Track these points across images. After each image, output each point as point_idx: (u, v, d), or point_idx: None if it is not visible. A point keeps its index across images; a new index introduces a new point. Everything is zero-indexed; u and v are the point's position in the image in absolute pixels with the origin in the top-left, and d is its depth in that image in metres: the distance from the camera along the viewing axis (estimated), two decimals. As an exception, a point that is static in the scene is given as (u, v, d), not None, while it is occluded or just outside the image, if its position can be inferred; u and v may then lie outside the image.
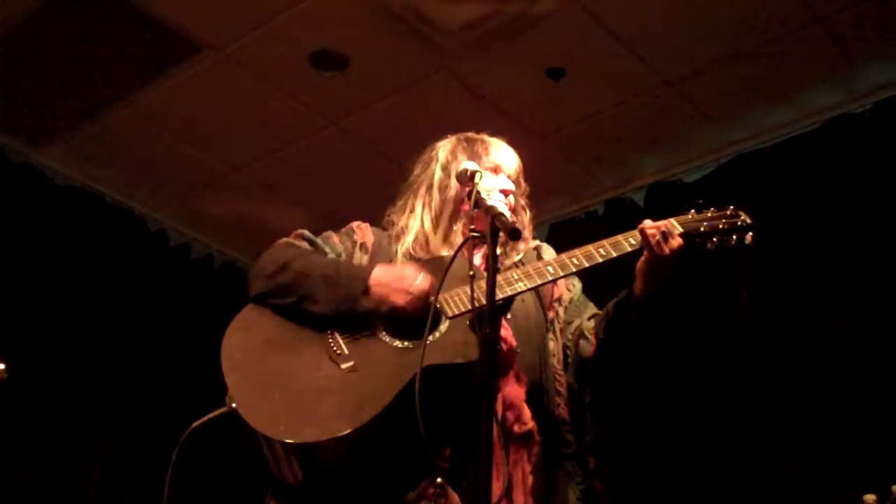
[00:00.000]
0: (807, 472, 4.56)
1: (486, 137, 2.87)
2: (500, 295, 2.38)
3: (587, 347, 2.60)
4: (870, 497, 3.54)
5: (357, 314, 2.44)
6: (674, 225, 2.52)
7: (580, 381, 2.62)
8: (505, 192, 2.70)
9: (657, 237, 2.45)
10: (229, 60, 4.99)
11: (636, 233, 2.52)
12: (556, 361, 2.60)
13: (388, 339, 2.43)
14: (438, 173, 2.78)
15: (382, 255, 2.69)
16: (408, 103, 5.24)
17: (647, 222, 2.50)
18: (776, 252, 5.01)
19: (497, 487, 2.28)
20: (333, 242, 2.73)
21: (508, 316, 2.54)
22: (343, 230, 2.79)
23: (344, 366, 2.38)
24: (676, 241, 2.47)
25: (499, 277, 2.40)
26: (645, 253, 2.48)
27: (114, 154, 5.75)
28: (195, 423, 2.53)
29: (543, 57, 4.94)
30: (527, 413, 2.42)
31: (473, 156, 2.76)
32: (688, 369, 5.10)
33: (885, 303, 4.60)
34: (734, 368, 4.96)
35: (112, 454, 5.68)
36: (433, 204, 2.75)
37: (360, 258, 2.69)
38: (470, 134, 2.87)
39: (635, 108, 5.22)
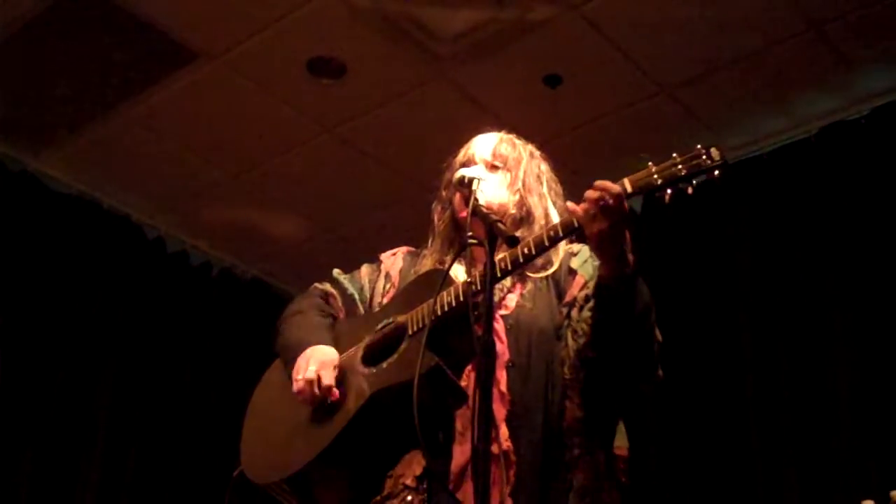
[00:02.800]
0: (805, 478, 4.56)
1: (473, 138, 2.86)
2: (454, 304, 2.35)
3: (581, 341, 2.44)
4: (868, 503, 3.54)
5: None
6: (622, 186, 2.30)
7: (576, 370, 2.46)
8: (457, 182, 2.59)
9: (592, 212, 2.23)
10: (226, 67, 4.99)
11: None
12: (567, 367, 2.47)
13: (361, 369, 2.47)
14: (437, 200, 2.85)
15: (411, 279, 2.68)
16: (405, 111, 5.24)
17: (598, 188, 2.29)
18: (773, 259, 5.02)
19: None
20: (359, 276, 2.80)
21: (510, 325, 2.48)
22: (376, 261, 2.85)
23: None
24: (621, 210, 2.24)
25: (459, 286, 2.38)
26: (586, 233, 2.25)
27: (111, 161, 5.74)
28: (236, 472, 2.64)
29: (540, 64, 4.94)
30: (504, 432, 2.36)
31: (454, 166, 2.78)
32: (684, 374, 5.09)
33: (883, 309, 4.60)
34: (731, 374, 4.97)
35: (110, 461, 5.65)
36: (437, 225, 2.79)
37: (383, 287, 2.74)
38: None
39: (632, 116, 5.22)
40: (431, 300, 2.33)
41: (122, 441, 5.75)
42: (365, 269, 2.81)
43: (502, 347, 2.44)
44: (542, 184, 2.82)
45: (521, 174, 2.76)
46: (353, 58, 4.93)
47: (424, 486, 2.32)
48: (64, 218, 5.77)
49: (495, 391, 2.36)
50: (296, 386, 2.46)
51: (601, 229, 2.22)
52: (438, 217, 2.81)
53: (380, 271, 2.77)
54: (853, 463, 4.42)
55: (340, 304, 2.76)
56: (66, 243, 5.75)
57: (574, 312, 2.50)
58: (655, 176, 2.33)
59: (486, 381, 2.04)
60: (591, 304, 2.44)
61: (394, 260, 2.79)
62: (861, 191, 4.86)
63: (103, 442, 5.65)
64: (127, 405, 5.81)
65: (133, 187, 6.01)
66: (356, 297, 2.75)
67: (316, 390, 2.43)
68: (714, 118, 5.25)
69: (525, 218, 2.69)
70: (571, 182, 5.84)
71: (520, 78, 5.03)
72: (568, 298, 2.55)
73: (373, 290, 2.74)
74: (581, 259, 2.64)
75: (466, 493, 2.27)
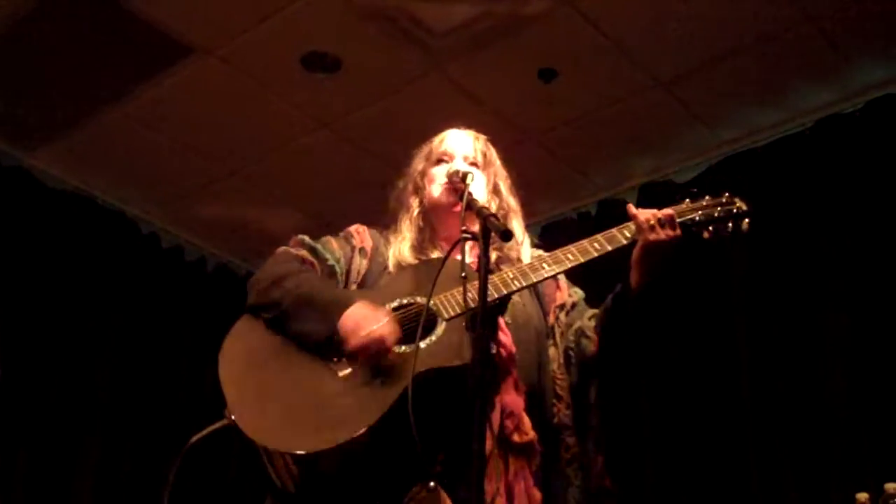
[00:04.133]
0: (800, 471, 4.57)
1: (443, 133, 2.90)
2: (495, 294, 2.40)
3: (589, 346, 2.57)
4: (862, 495, 3.54)
5: (323, 344, 2.43)
6: (673, 214, 2.51)
7: (584, 380, 2.58)
8: (450, 175, 2.67)
9: (652, 222, 2.45)
10: (221, 63, 4.98)
11: (630, 225, 2.51)
12: (556, 366, 2.57)
13: None
14: (398, 186, 2.90)
15: (380, 258, 2.71)
16: (400, 105, 5.24)
17: (642, 211, 2.50)
18: (768, 251, 5.02)
19: (499, 500, 2.29)
20: (332, 248, 2.73)
21: (508, 320, 2.53)
22: (342, 234, 2.81)
23: (341, 373, 2.38)
24: (675, 230, 2.47)
25: (494, 278, 2.43)
26: (640, 240, 2.47)
27: (106, 157, 5.74)
28: (194, 438, 2.51)
29: (535, 58, 4.94)
30: (527, 423, 2.41)
31: (428, 155, 2.83)
32: (679, 368, 5.10)
33: (878, 301, 4.61)
34: (726, 367, 4.97)
35: (106, 458, 5.65)
36: (410, 212, 2.80)
37: (360, 263, 2.70)
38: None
39: (627, 109, 5.23)
40: (462, 289, 2.39)
41: (118, 436, 5.74)
42: (335, 243, 2.76)
43: (508, 340, 2.49)
44: (510, 188, 2.88)
45: (495, 177, 2.83)
46: (347, 52, 4.93)
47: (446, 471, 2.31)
48: (59, 214, 5.76)
49: (511, 381, 2.44)
50: (358, 343, 2.35)
51: (657, 240, 2.44)
52: (408, 203, 2.83)
53: (351, 246, 2.75)
54: (848, 456, 4.43)
55: (319, 273, 2.68)
56: (61, 239, 5.74)
57: (562, 315, 2.65)
58: (700, 212, 2.57)
59: (482, 377, 2.05)
60: (596, 311, 2.62)
61: (362, 236, 2.79)
62: (856, 184, 4.86)
63: (99, 438, 5.65)
64: (123, 401, 5.81)
65: (128, 183, 6.01)
66: (336, 268, 2.69)
67: (383, 349, 2.35)
68: (709, 112, 5.26)
69: (504, 218, 2.76)
70: (566, 175, 5.89)
71: (515, 72, 5.03)
72: (558, 302, 2.68)
73: (349, 264, 2.71)
74: None
75: (489, 478, 2.29)
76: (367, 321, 2.36)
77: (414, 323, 2.40)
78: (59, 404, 5.51)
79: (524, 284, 2.47)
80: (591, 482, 2.49)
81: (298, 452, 2.27)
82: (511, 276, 2.46)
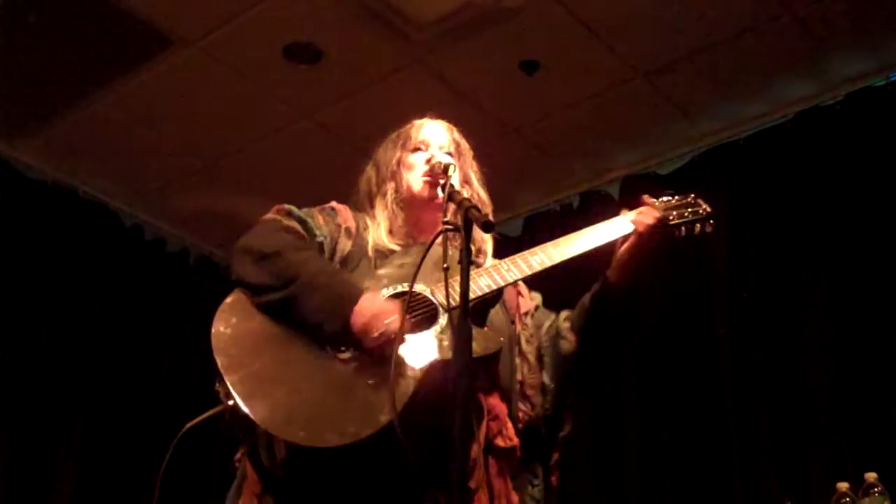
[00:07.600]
0: (780, 461, 4.59)
1: (417, 121, 2.91)
2: (493, 286, 2.42)
3: (567, 346, 2.56)
4: (843, 485, 3.57)
5: (341, 334, 2.34)
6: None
7: (561, 381, 2.56)
8: (432, 167, 2.68)
9: (653, 222, 2.53)
10: (202, 54, 4.97)
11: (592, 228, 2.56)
12: (526, 369, 2.56)
13: None
14: (370, 172, 2.89)
15: (360, 241, 2.67)
16: (381, 96, 5.23)
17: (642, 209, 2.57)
18: (749, 243, 5.04)
19: (483, 498, 2.27)
20: (318, 222, 2.68)
21: (488, 324, 2.52)
22: (325, 209, 2.77)
23: (343, 357, 2.33)
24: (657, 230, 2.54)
25: (489, 269, 2.46)
26: (632, 239, 2.52)
27: (87, 148, 5.71)
28: (189, 424, 2.45)
29: (517, 50, 4.94)
30: (510, 428, 2.39)
31: (404, 143, 2.83)
32: (660, 359, 5.12)
33: (858, 293, 4.63)
34: (708, 358, 4.99)
35: (87, 452, 5.62)
36: (385, 199, 2.77)
37: (345, 243, 2.65)
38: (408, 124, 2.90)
39: (609, 101, 5.24)
40: (461, 278, 2.24)
41: (100, 429, 5.72)
42: (321, 217, 2.71)
43: None
44: (480, 179, 2.88)
45: (468, 168, 2.84)
46: (329, 43, 4.92)
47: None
48: (39, 206, 5.72)
49: (497, 383, 2.44)
50: (374, 343, 2.28)
51: (652, 234, 2.53)
52: (383, 189, 2.80)
53: (336, 224, 2.70)
54: (829, 445, 4.45)
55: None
56: (42, 231, 5.70)
57: (528, 320, 2.65)
58: (672, 212, 2.64)
59: (464, 370, 2.01)
60: (566, 311, 2.63)
61: (345, 215, 2.75)
62: (837, 176, 4.88)
63: (80, 430, 5.63)
64: (104, 393, 5.79)
65: (110, 174, 5.98)
66: (324, 245, 2.64)
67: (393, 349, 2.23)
68: (690, 103, 5.27)
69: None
70: (549, 167, 5.88)
71: (497, 63, 5.03)
72: (523, 309, 2.68)
73: (335, 243, 2.66)
74: None
75: (479, 480, 2.28)
76: (378, 318, 2.30)
77: (415, 312, 2.38)
78: (39, 399, 5.47)
79: (520, 276, 2.47)
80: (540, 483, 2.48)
81: (309, 445, 2.19)
82: (506, 267, 2.46)
